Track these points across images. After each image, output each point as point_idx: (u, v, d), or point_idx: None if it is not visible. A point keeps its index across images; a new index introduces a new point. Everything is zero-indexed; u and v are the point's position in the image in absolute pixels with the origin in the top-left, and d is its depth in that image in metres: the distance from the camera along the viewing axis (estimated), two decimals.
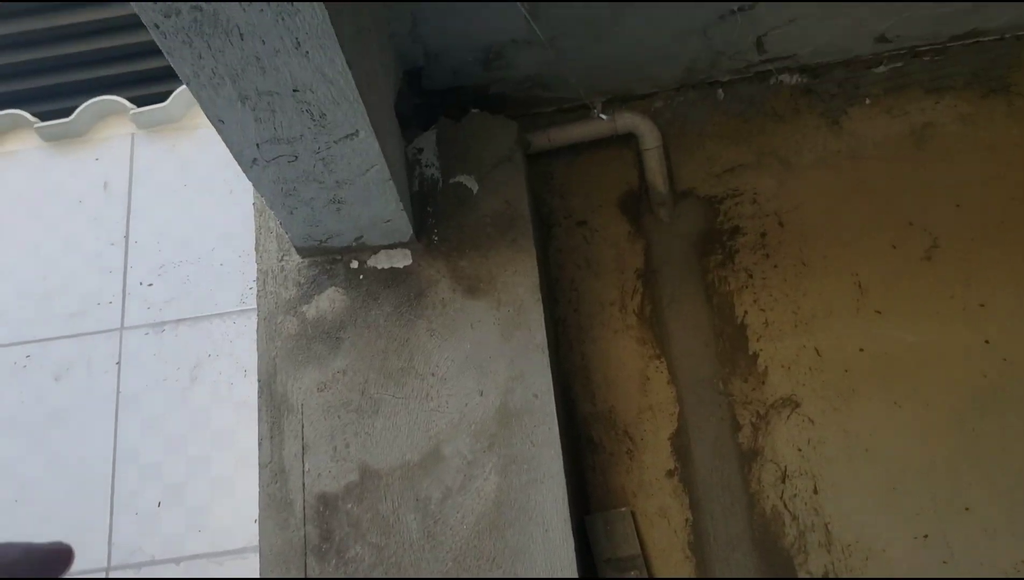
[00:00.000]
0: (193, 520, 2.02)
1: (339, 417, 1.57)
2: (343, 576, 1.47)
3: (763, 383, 1.80)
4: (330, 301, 1.65)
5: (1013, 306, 1.80)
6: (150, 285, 2.30)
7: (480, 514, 1.47)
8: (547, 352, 1.58)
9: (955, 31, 1.97)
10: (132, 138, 2.49)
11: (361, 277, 1.66)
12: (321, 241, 1.64)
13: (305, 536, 1.50)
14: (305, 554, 1.49)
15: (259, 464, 1.56)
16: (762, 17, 1.82)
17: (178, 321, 2.24)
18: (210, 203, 2.34)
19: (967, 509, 1.68)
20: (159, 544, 2.03)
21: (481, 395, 1.56)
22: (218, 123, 1.27)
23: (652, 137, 1.92)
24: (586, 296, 1.91)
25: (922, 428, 1.74)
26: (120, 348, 2.23)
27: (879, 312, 1.82)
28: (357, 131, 1.31)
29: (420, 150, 1.77)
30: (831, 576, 1.68)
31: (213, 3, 1.04)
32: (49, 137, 2.55)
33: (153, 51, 3.01)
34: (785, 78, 2.03)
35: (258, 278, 1.71)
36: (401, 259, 1.67)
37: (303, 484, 1.53)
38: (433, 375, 1.58)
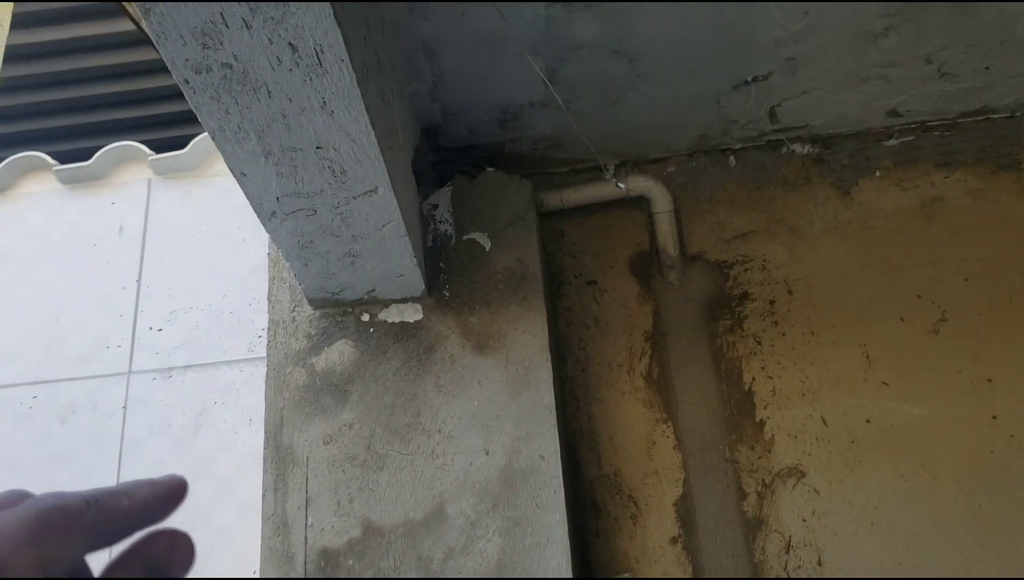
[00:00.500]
0: (193, 570, 1.99)
1: (344, 471, 1.57)
2: None
3: (769, 451, 1.79)
4: (339, 353, 1.66)
5: (1021, 383, 1.80)
6: (160, 330, 2.31)
7: (482, 576, 1.46)
8: (555, 413, 1.58)
9: (965, 107, 2.00)
10: (149, 183, 2.52)
11: (371, 330, 1.67)
12: (333, 293, 1.66)
13: None
14: None
15: (262, 516, 1.55)
16: (775, 88, 1.85)
17: (186, 367, 2.25)
18: (223, 251, 2.36)
19: None
20: None
21: (487, 454, 1.56)
22: (240, 176, 1.29)
23: (664, 201, 1.94)
24: (594, 356, 1.92)
25: (928, 503, 1.73)
26: (127, 392, 2.23)
27: (886, 384, 1.82)
28: (376, 188, 1.33)
29: (435, 206, 1.79)
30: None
31: (243, 62, 1.06)
32: (67, 180, 2.58)
33: (171, 96, 3.07)
34: (797, 148, 2.05)
35: (269, 328, 1.72)
36: (412, 314, 1.68)
37: (305, 538, 1.52)
38: (439, 432, 1.58)
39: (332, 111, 1.15)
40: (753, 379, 1.86)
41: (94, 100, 2.97)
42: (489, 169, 1.85)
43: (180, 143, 2.71)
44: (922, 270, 1.91)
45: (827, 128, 2.03)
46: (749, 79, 1.82)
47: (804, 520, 1.74)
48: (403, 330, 1.67)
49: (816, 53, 1.75)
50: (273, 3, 0.98)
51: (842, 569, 1.69)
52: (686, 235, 2.01)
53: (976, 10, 1.68)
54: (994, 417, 1.77)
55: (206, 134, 2.68)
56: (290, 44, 1.04)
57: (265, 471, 1.59)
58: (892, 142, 2.03)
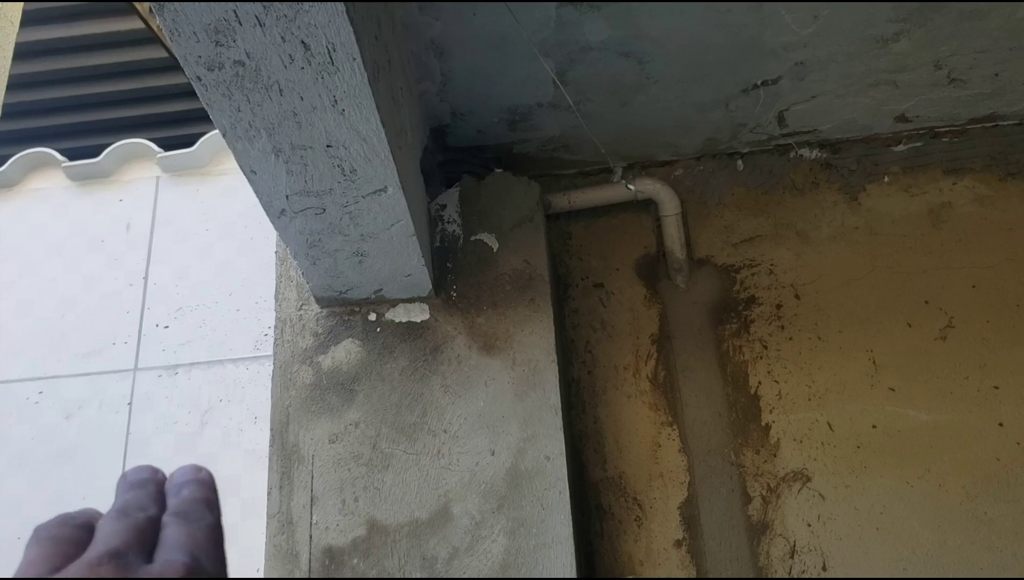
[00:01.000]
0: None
1: (349, 470, 1.57)
2: None
3: (775, 456, 1.79)
4: (346, 352, 1.66)
5: None
6: (166, 327, 2.32)
7: (487, 576, 1.46)
8: (561, 414, 1.58)
9: (974, 114, 1.99)
10: (157, 181, 2.53)
11: (378, 330, 1.67)
12: (341, 292, 1.66)
13: None
14: None
15: (267, 514, 1.55)
16: (784, 93, 1.85)
17: (192, 364, 2.25)
18: (230, 249, 2.37)
19: None
20: None
21: (493, 455, 1.56)
22: (250, 173, 1.29)
23: (672, 204, 1.94)
24: (600, 359, 1.92)
25: (933, 509, 1.72)
26: (132, 389, 2.24)
27: (893, 389, 1.82)
28: (386, 187, 1.33)
29: (443, 206, 1.80)
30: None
31: (256, 59, 1.06)
32: (75, 177, 2.59)
33: (180, 94, 3.07)
34: (805, 152, 2.05)
35: (276, 326, 1.72)
36: (419, 313, 1.68)
37: (310, 536, 1.52)
38: (445, 432, 1.58)
39: (343, 110, 1.15)
40: (759, 383, 1.86)
41: (103, 98, 2.98)
42: (497, 170, 1.85)
43: (188, 141, 2.72)
44: (929, 276, 1.91)
45: (836, 133, 2.03)
46: (758, 83, 1.82)
47: (809, 525, 1.74)
48: (410, 330, 1.67)
49: (826, 57, 1.75)
50: (286, 1, 0.98)
51: (847, 574, 1.69)
52: (693, 238, 2.01)
53: (986, 16, 1.68)
54: (1000, 424, 1.77)
55: (214, 132, 2.69)
56: (302, 42, 1.04)
57: (271, 469, 1.60)
58: (900, 148, 2.03)
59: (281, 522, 1.54)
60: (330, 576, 1.49)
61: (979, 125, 2.03)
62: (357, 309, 1.70)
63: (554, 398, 1.59)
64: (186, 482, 0.51)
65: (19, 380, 2.26)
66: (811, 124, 1.99)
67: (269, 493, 1.57)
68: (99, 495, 2.11)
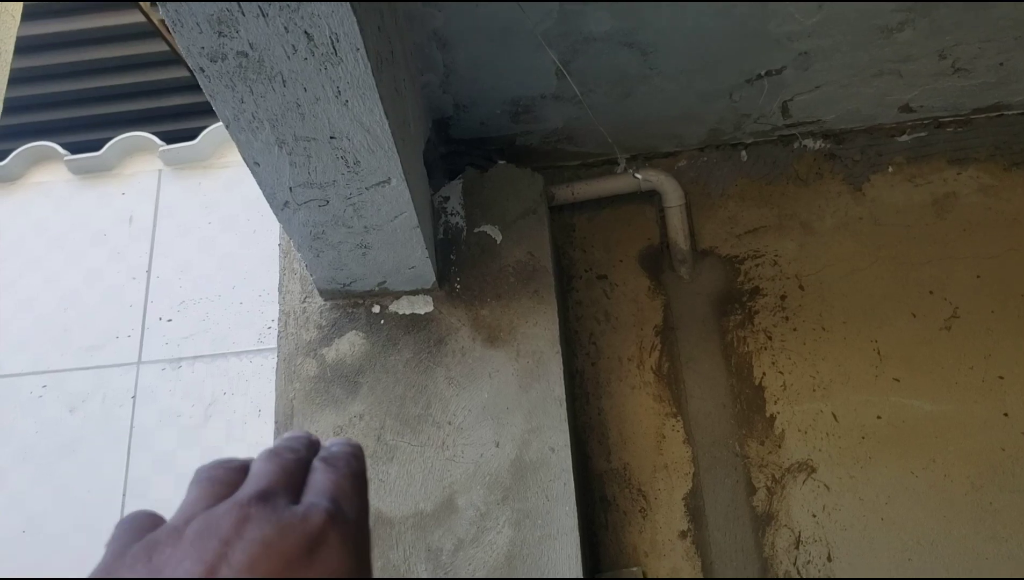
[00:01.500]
0: None
1: None
2: None
3: (779, 447, 1.79)
4: (350, 345, 1.66)
5: None
6: (169, 321, 2.32)
7: (492, 568, 1.46)
8: (565, 405, 1.58)
9: (979, 104, 1.99)
10: (159, 174, 2.53)
11: (382, 322, 1.67)
12: (345, 285, 1.66)
13: None
14: None
15: None
16: (788, 83, 1.85)
17: (195, 358, 2.25)
18: (233, 242, 2.36)
19: None
20: None
21: (497, 446, 1.55)
22: (253, 165, 1.29)
23: (675, 195, 1.93)
24: (604, 350, 1.92)
25: (938, 499, 1.72)
26: (136, 382, 2.24)
27: (897, 380, 1.82)
28: (389, 178, 1.32)
29: (446, 199, 1.79)
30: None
31: (259, 50, 1.06)
32: (77, 170, 2.58)
33: (182, 88, 3.07)
34: (809, 143, 2.05)
35: (280, 319, 1.72)
36: (423, 305, 1.68)
37: None
38: (450, 424, 1.58)
39: (346, 101, 1.15)
40: (763, 374, 1.86)
41: (105, 92, 2.98)
42: (501, 162, 1.85)
43: (191, 135, 2.71)
44: (934, 266, 1.90)
45: (839, 123, 2.02)
46: (762, 73, 1.82)
47: (814, 515, 1.73)
48: (414, 322, 1.67)
49: (830, 47, 1.74)
50: None
51: (852, 565, 1.69)
52: (697, 230, 2.01)
53: (991, 6, 1.67)
54: (1005, 414, 1.77)
55: (216, 125, 2.69)
56: (306, 32, 1.03)
57: None
58: (904, 138, 2.03)
59: None
60: None
61: (983, 115, 2.02)
62: (361, 301, 1.70)
63: (558, 389, 1.59)
64: (336, 442, 0.53)
65: (22, 374, 2.26)
66: (815, 114, 1.98)
67: None
68: (104, 488, 2.11)
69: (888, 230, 1.95)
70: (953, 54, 1.80)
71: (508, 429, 1.57)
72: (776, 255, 1.95)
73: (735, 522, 1.74)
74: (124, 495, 2.10)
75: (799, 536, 1.72)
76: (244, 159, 1.27)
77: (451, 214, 1.78)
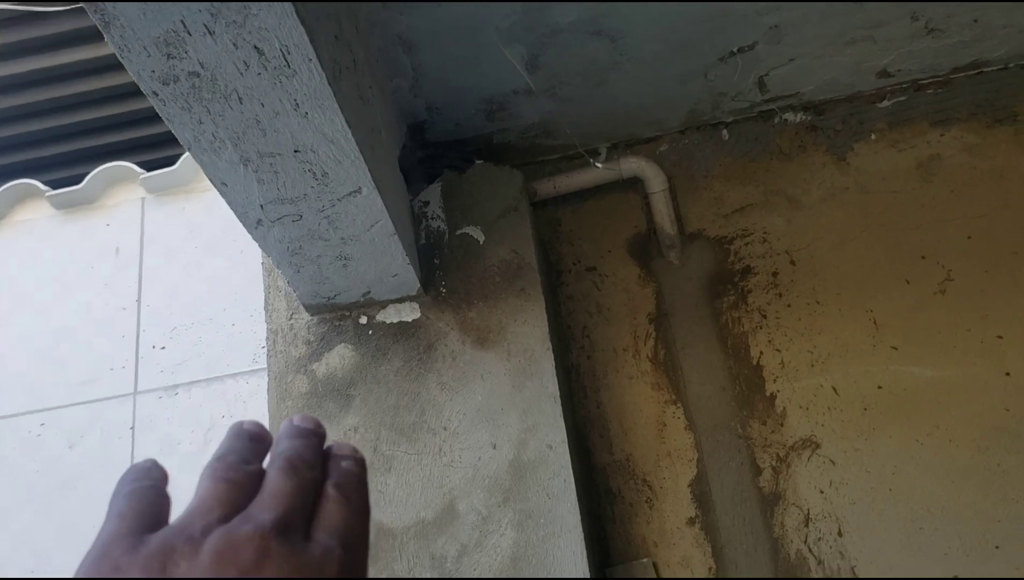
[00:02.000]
0: None
1: None
2: None
3: (782, 425, 1.77)
4: (340, 358, 1.64)
5: None
6: (163, 348, 2.30)
7: (497, 571, 1.44)
8: (560, 402, 1.56)
9: (957, 63, 1.96)
10: (142, 202, 2.52)
11: (370, 332, 1.66)
12: (329, 298, 1.64)
13: None
14: None
15: None
16: (762, 57, 1.83)
17: (191, 383, 2.24)
18: (220, 264, 2.35)
19: (997, 547, 1.63)
20: None
21: (494, 448, 1.54)
22: (221, 186, 1.27)
23: (658, 181, 1.92)
24: (599, 342, 1.90)
25: (945, 465, 1.70)
26: (134, 413, 2.22)
27: (895, 348, 1.79)
28: (360, 188, 1.31)
29: (426, 203, 1.78)
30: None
31: (210, 69, 1.04)
32: (60, 205, 2.57)
33: (158, 116, 3.05)
34: (789, 116, 2.03)
35: (268, 338, 1.70)
36: (409, 313, 1.66)
37: None
38: (445, 429, 1.56)
39: (306, 112, 1.13)
40: (761, 353, 1.84)
41: (82, 126, 2.96)
42: (479, 161, 1.83)
43: (172, 163, 2.70)
44: (924, 231, 1.88)
45: (818, 94, 2.00)
46: (734, 50, 1.80)
47: (821, 491, 1.71)
48: (402, 330, 1.65)
49: (799, 19, 1.72)
50: (234, 5, 0.96)
51: (863, 538, 1.67)
52: (683, 213, 1.99)
53: None
54: (1007, 374, 1.75)
55: None
56: (255, 47, 1.02)
57: None
58: (885, 104, 2.00)
59: None
60: None
61: (963, 74, 2.00)
62: (347, 313, 1.68)
63: (552, 386, 1.58)
64: (345, 456, 0.54)
65: (20, 414, 2.25)
66: (792, 87, 1.96)
67: None
68: None
69: (875, 198, 1.93)
70: (925, 15, 1.78)
71: (504, 430, 1.55)
72: (765, 232, 1.93)
73: (742, 505, 1.72)
74: None
75: (808, 513, 1.70)
76: (211, 180, 1.26)
77: (432, 218, 1.76)
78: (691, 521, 1.72)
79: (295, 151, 1.21)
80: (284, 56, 1.04)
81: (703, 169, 2.01)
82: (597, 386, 1.86)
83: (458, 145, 1.95)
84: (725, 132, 2.04)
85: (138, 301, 2.38)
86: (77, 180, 2.57)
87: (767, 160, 1.99)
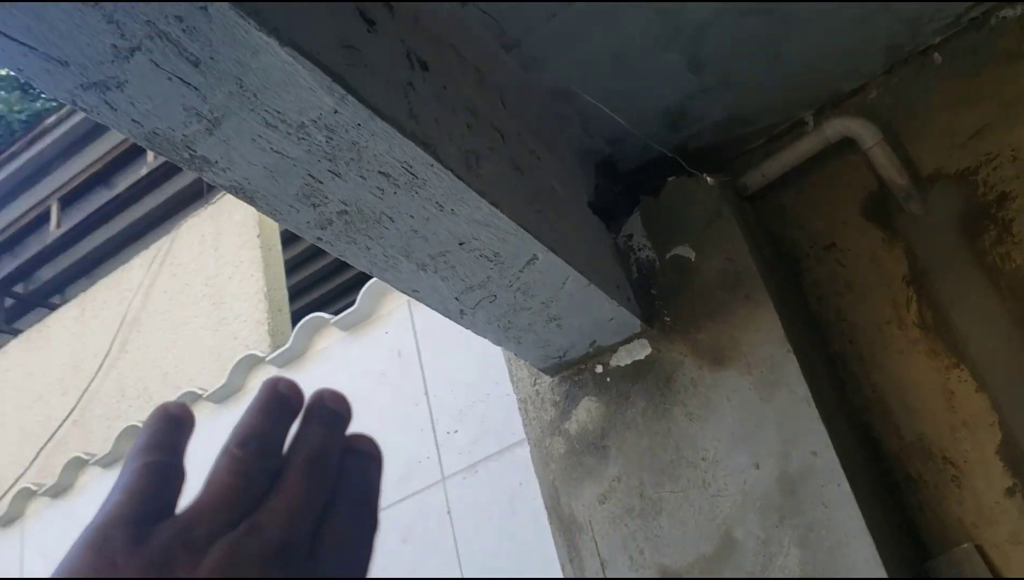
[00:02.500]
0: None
1: (626, 525, 1.55)
2: None
3: None
4: (587, 411, 1.66)
5: None
6: (456, 432, 2.46)
7: None
8: (814, 404, 1.46)
9: None
10: (409, 305, 2.72)
11: (608, 380, 1.66)
12: (560, 357, 1.67)
13: None
14: None
15: None
16: None
17: (487, 458, 2.36)
18: (482, 342, 2.47)
19: None
20: None
21: (757, 468, 1.47)
22: (413, 293, 1.36)
23: (869, 133, 1.75)
24: (857, 323, 1.75)
25: None
26: (446, 497, 2.39)
27: None
28: (535, 255, 1.33)
29: (629, 236, 1.76)
30: None
31: (353, 204, 1.13)
32: (345, 326, 2.85)
33: None
34: (1007, 12, 1.77)
35: (519, 407, 1.77)
36: (640, 350, 1.65)
37: None
38: (704, 460, 1.52)
39: (452, 209, 1.18)
40: None
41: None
42: (670, 178, 1.78)
43: None
44: None
45: None
46: None
47: None
48: (637, 369, 1.64)
49: None
50: (344, 146, 1.03)
51: None
52: (914, 156, 1.80)
53: None
54: None
55: None
56: (380, 173, 1.09)
57: (556, 544, 1.63)
58: None
59: None
60: None
61: None
62: (583, 366, 1.70)
63: (801, 389, 1.48)
64: (368, 455, 0.52)
65: None
66: None
67: (563, 568, 1.60)
68: None
69: None
70: None
71: (763, 446, 1.48)
72: (1013, 149, 1.69)
73: None
74: None
75: None
76: (403, 292, 1.35)
77: (638, 250, 1.74)
78: (1009, 491, 1.52)
79: (460, 244, 1.26)
80: (408, 171, 1.10)
81: (923, 103, 1.81)
82: (867, 369, 1.71)
83: (653, 166, 1.92)
84: (936, 55, 1.82)
85: (426, 394, 2.57)
86: (351, 303, 2.84)
87: (994, 69, 1.75)
